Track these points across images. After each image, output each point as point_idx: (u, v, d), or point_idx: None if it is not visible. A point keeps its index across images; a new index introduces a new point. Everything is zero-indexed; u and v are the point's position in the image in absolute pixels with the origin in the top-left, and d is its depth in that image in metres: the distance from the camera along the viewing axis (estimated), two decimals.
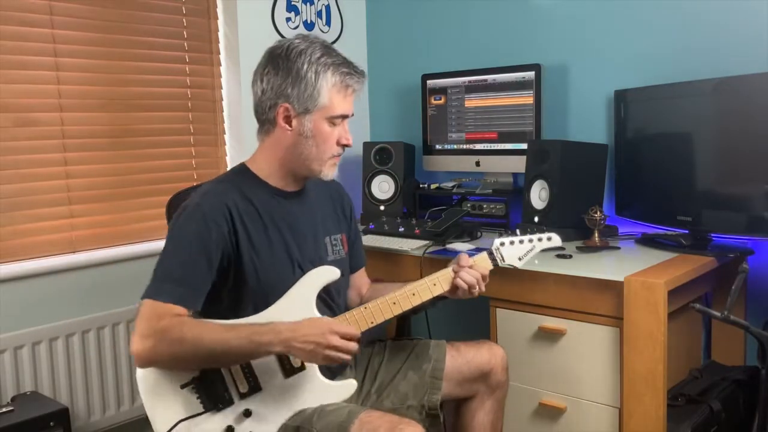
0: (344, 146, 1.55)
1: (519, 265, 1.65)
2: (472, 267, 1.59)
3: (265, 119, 1.55)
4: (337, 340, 1.38)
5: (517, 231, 1.68)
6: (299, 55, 1.49)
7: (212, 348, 1.36)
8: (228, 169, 2.69)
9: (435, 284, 1.59)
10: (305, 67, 1.48)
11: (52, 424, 1.97)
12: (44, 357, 2.20)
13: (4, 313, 2.13)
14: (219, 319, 1.44)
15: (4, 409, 1.96)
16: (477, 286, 1.59)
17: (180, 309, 1.40)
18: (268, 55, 1.54)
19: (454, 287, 1.59)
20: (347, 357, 1.41)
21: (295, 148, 1.52)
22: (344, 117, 1.54)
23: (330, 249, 1.64)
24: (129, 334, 2.34)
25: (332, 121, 1.51)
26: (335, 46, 2.97)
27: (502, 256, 1.64)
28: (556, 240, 1.68)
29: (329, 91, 1.49)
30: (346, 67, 1.52)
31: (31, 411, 1.98)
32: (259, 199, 1.54)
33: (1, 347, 2.12)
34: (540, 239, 1.66)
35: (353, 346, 1.41)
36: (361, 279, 1.80)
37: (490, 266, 1.63)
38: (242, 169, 1.59)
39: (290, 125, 1.51)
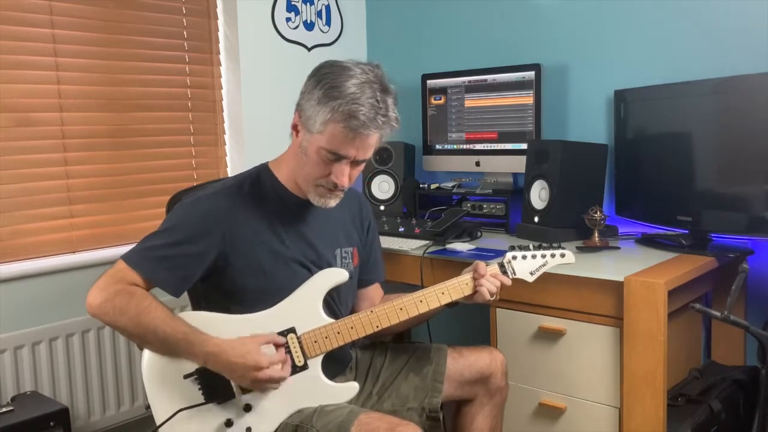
0: (335, 185, 1.48)
1: (530, 279, 1.64)
2: (494, 276, 1.59)
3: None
4: (262, 379, 1.38)
5: (530, 245, 1.67)
6: (326, 75, 1.45)
7: (146, 329, 1.39)
8: (228, 168, 2.72)
9: (443, 293, 1.58)
10: (321, 86, 1.43)
11: (52, 424, 1.97)
12: (44, 357, 2.20)
13: (4, 313, 2.13)
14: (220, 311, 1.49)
15: (4, 409, 1.96)
16: (496, 295, 1.59)
17: (145, 284, 1.43)
18: (320, 64, 1.50)
19: (472, 294, 1.59)
20: (274, 386, 1.43)
21: (295, 158, 1.52)
22: (337, 156, 1.44)
23: (339, 261, 1.64)
24: None
25: (325, 153, 1.44)
26: (334, 46, 2.97)
27: (513, 270, 1.63)
28: (569, 257, 1.67)
29: (327, 122, 1.42)
30: (362, 108, 1.40)
31: (31, 411, 1.97)
32: (272, 204, 1.54)
33: (1, 347, 2.11)
34: (553, 255, 1.65)
35: (280, 374, 1.41)
36: (375, 292, 1.79)
37: (503, 278, 1.61)
38: (263, 170, 1.59)
39: (297, 134, 1.51)
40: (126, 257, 1.45)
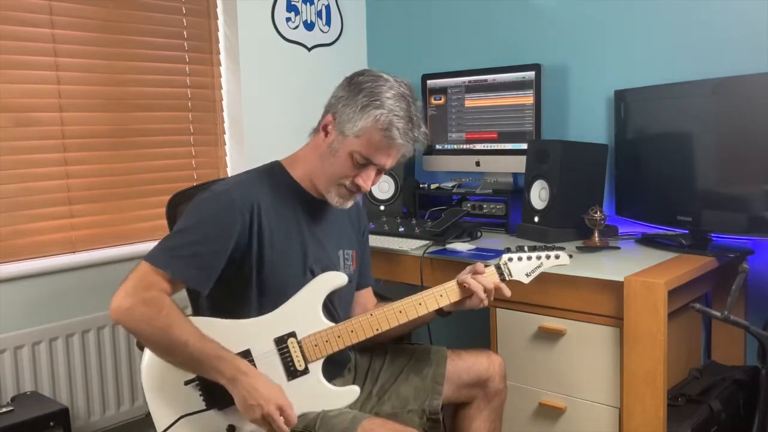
0: (358, 187, 1.53)
1: (526, 281, 1.64)
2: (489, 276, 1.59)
3: (318, 121, 1.57)
4: (276, 415, 1.36)
5: (525, 247, 1.67)
6: (371, 84, 1.49)
7: (175, 342, 1.36)
8: (228, 168, 2.72)
9: (442, 295, 1.59)
10: (364, 94, 1.48)
11: (52, 424, 1.97)
12: (44, 357, 2.20)
13: (4, 313, 2.13)
14: (222, 314, 1.48)
15: (4, 409, 1.96)
16: (485, 295, 1.57)
17: (170, 286, 1.40)
18: (357, 71, 1.55)
19: (462, 297, 1.59)
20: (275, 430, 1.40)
21: (320, 158, 1.54)
22: (369, 161, 1.50)
23: (342, 262, 1.65)
24: (128, 334, 2.33)
25: (358, 157, 1.49)
26: (334, 46, 2.98)
27: (509, 271, 1.63)
28: (563, 259, 1.67)
29: (367, 129, 1.47)
30: (400, 120, 1.47)
31: (31, 411, 1.97)
32: (286, 200, 1.56)
33: (1, 347, 2.11)
34: (548, 257, 1.66)
35: (284, 429, 1.39)
36: (367, 297, 1.80)
37: (496, 279, 1.60)
38: (275, 167, 1.60)
39: (326, 135, 1.53)
40: (151, 258, 1.41)
